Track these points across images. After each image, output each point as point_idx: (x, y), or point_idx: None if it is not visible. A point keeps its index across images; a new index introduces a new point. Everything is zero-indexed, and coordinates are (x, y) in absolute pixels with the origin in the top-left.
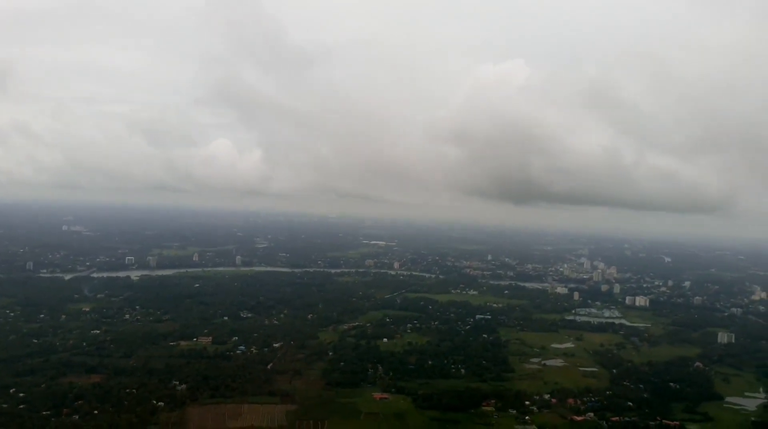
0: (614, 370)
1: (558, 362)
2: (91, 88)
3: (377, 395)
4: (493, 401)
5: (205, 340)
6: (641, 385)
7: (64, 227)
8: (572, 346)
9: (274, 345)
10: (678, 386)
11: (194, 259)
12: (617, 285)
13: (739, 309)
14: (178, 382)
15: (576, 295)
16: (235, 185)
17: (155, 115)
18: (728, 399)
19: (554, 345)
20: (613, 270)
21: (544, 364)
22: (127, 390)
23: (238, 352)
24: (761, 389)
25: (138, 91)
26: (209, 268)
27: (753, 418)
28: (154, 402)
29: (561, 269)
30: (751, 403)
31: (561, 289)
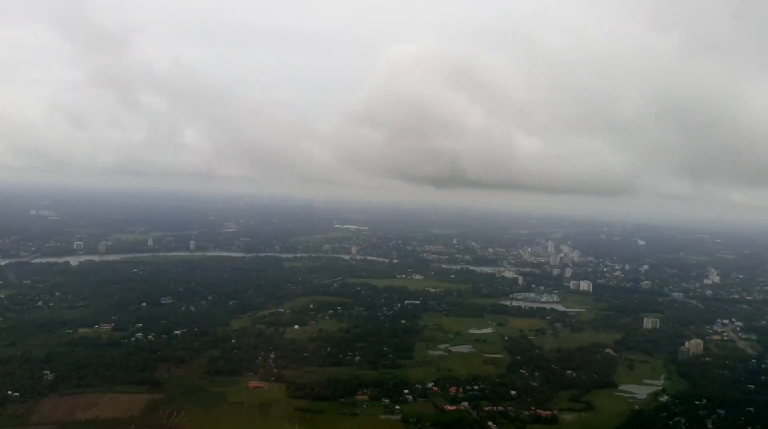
0: (518, 357)
1: (465, 349)
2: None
3: (252, 384)
4: (369, 390)
5: (106, 327)
6: (536, 373)
7: (33, 212)
8: (490, 331)
9: (176, 332)
10: (574, 374)
11: (149, 243)
12: (569, 269)
13: (681, 293)
14: (48, 372)
15: (521, 279)
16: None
17: (80, 96)
18: (622, 387)
19: (472, 330)
20: (575, 253)
21: (450, 351)
22: None
23: (133, 339)
24: (662, 376)
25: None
26: (161, 253)
27: (637, 407)
28: (9, 392)
29: (522, 253)
30: (644, 390)
31: (508, 273)
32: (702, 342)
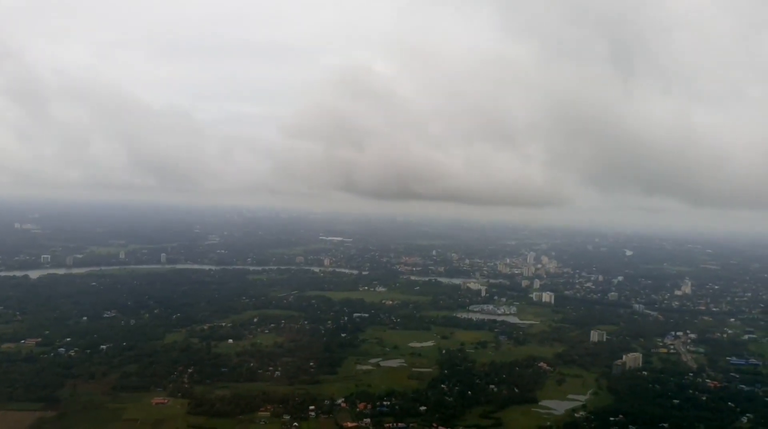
0: (446, 371)
1: (396, 363)
2: None
3: (156, 400)
4: (272, 406)
5: (31, 342)
6: (457, 388)
7: (17, 225)
8: (431, 345)
9: (102, 347)
10: (496, 389)
11: (121, 256)
12: (537, 280)
13: (643, 305)
14: None
15: (483, 291)
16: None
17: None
18: (544, 402)
19: (413, 344)
20: (553, 264)
21: (379, 365)
22: None
23: (52, 354)
24: (589, 391)
25: None
26: (130, 266)
27: (548, 423)
28: None
29: (498, 264)
30: (565, 406)
31: (474, 285)
32: (640, 355)
